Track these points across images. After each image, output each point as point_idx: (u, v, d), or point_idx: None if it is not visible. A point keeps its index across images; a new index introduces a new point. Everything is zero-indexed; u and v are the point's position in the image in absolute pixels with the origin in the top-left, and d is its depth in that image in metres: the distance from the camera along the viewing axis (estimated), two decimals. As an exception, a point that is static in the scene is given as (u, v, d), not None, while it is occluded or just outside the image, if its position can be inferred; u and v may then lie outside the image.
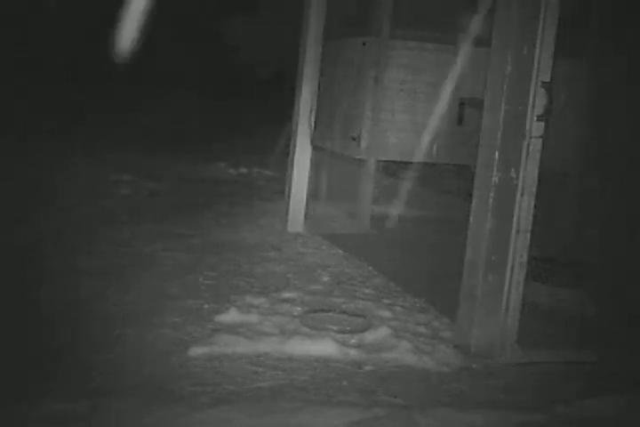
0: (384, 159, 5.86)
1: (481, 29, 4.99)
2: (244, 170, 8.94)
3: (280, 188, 6.38)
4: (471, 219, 3.49)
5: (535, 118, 3.32)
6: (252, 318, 3.70)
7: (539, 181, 3.37)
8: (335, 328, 3.64)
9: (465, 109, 5.45)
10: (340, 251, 5.31)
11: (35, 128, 9.15)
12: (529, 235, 3.39)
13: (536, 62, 3.29)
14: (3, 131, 8.29)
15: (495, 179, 3.36)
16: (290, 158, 5.87)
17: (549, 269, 4.27)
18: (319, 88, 5.71)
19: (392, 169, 7.46)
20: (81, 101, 11.25)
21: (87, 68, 12.59)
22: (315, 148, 5.82)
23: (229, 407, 2.78)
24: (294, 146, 5.79)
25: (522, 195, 3.36)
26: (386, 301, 4.18)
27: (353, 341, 3.53)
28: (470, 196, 3.52)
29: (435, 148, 5.48)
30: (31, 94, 10.72)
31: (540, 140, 3.34)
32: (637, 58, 4.61)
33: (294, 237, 5.65)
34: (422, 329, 3.73)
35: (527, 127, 3.32)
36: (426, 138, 5.47)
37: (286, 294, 4.13)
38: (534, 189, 3.37)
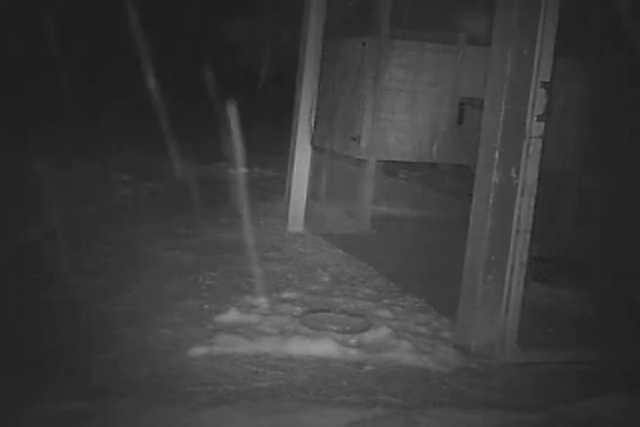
0: (384, 159, 5.86)
1: (481, 29, 4.99)
2: (243, 170, 8.93)
3: (280, 188, 6.38)
4: (471, 219, 3.49)
5: (535, 118, 3.32)
6: (252, 318, 3.70)
7: (539, 180, 3.37)
8: (335, 328, 3.63)
9: (465, 109, 5.45)
10: (340, 251, 5.31)
11: (34, 128, 9.15)
12: (529, 235, 3.39)
13: (536, 62, 3.30)
14: (2, 131, 8.29)
15: (495, 179, 3.36)
16: (290, 158, 5.87)
17: (549, 269, 4.27)
18: (319, 88, 5.71)
19: (392, 169, 7.46)
20: (80, 101, 11.24)
21: (87, 67, 12.59)
22: (315, 148, 5.82)
23: (229, 407, 2.78)
24: (294, 146, 5.79)
25: (522, 195, 3.36)
26: (386, 301, 4.18)
27: (353, 341, 3.53)
28: (470, 196, 3.52)
29: (435, 148, 5.48)
30: (30, 94, 10.72)
31: (540, 140, 3.34)
32: (637, 58, 4.61)
33: (294, 237, 5.65)
34: (422, 329, 3.73)
35: (527, 127, 3.32)
36: (426, 138, 5.47)
37: (286, 294, 4.13)
38: (534, 189, 3.37)
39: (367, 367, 3.30)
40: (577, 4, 4.02)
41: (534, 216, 3.39)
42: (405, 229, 6.19)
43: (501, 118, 3.34)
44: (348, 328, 3.66)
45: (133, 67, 12.17)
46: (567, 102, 4.67)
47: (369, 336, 3.58)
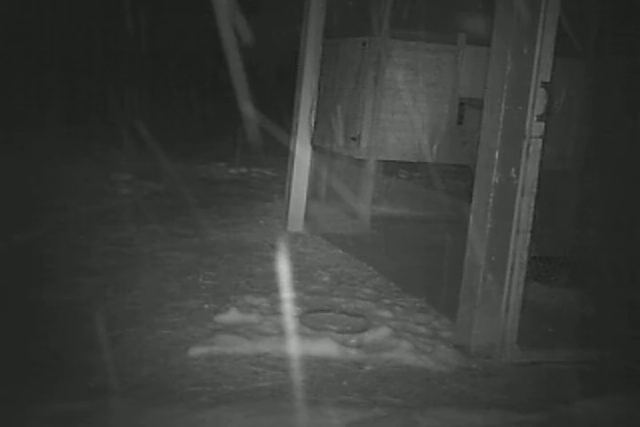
0: (384, 159, 5.86)
1: (481, 29, 4.98)
2: (243, 170, 8.94)
3: (280, 188, 6.39)
4: (471, 219, 3.49)
5: (535, 118, 3.32)
6: (252, 318, 3.70)
7: (538, 181, 3.37)
8: (335, 328, 3.64)
9: (465, 109, 5.45)
10: (340, 251, 5.31)
11: (34, 127, 9.16)
12: (529, 235, 3.39)
13: (536, 62, 3.30)
14: (2, 131, 8.29)
15: (495, 179, 3.36)
16: (290, 158, 5.87)
17: (549, 269, 4.27)
18: (319, 88, 5.71)
19: (392, 169, 7.46)
20: (80, 101, 11.25)
21: (86, 66, 12.59)
22: (315, 148, 5.82)
23: (229, 407, 2.78)
24: (294, 146, 5.79)
25: (522, 195, 3.36)
26: (386, 301, 4.18)
27: (353, 341, 3.53)
28: (470, 196, 3.52)
29: (435, 148, 5.48)
30: (30, 93, 10.72)
31: (540, 140, 3.34)
32: (637, 57, 4.62)
33: (294, 237, 5.65)
34: (422, 329, 3.73)
35: (527, 127, 3.32)
36: (426, 138, 5.47)
37: (286, 294, 4.13)
38: (534, 189, 3.37)
39: (367, 367, 3.30)
40: (577, 4, 4.02)
41: (534, 216, 3.39)
42: (405, 229, 6.20)
43: (501, 118, 3.34)
44: (348, 328, 3.66)
45: (131, 67, 12.17)
46: (567, 102, 4.67)
47: (369, 336, 3.58)
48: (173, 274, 4.42)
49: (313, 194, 6.03)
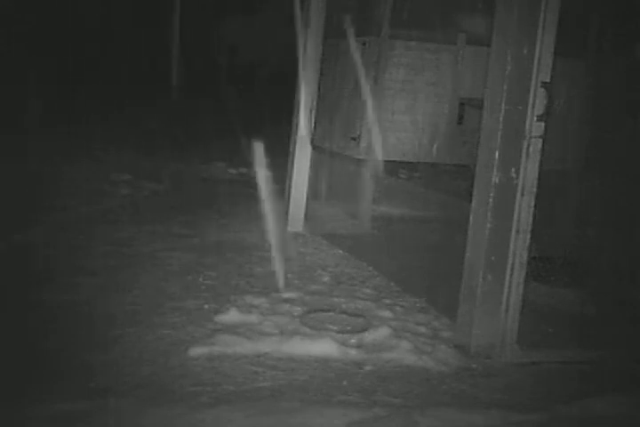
0: (384, 159, 5.86)
1: (481, 29, 4.99)
2: (243, 170, 8.93)
3: (280, 188, 6.38)
4: (471, 219, 3.49)
5: (535, 118, 3.32)
6: (252, 318, 3.71)
7: (538, 180, 3.37)
8: (335, 328, 3.64)
9: (465, 109, 5.45)
10: (340, 251, 5.31)
11: (34, 127, 9.15)
12: (529, 235, 3.39)
13: (536, 62, 3.30)
14: (2, 131, 8.29)
15: (495, 179, 3.36)
16: (290, 158, 5.87)
17: (549, 269, 4.26)
18: (319, 88, 5.71)
19: (392, 169, 7.46)
20: (79, 101, 11.24)
21: (85, 66, 12.60)
22: (315, 148, 5.82)
23: (229, 407, 2.78)
24: (294, 146, 5.79)
25: (522, 195, 3.36)
26: (386, 301, 4.18)
27: (353, 341, 3.53)
28: (470, 196, 3.52)
29: (435, 148, 5.49)
30: (30, 94, 10.71)
31: (540, 140, 3.34)
32: (637, 57, 4.62)
33: (294, 237, 5.65)
34: (422, 329, 3.73)
35: (527, 127, 3.32)
36: (426, 138, 5.47)
37: (286, 294, 4.13)
38: (534, 189, 3.37)
39: (367, 367, 3.30)
40: (577, 4, 4.02)
41: (534, 216, 3.39)
42: (405, 229, 6.19)
43: (501, 118, 3.34)
44: (348, 328, 3.66)
45: (129, 67, 12.17)
46: (567, 102, 4.67)
47: (369, 336, 3.58)
48: (173, 274, 4.42)
49: (313, 194, 6.03)
